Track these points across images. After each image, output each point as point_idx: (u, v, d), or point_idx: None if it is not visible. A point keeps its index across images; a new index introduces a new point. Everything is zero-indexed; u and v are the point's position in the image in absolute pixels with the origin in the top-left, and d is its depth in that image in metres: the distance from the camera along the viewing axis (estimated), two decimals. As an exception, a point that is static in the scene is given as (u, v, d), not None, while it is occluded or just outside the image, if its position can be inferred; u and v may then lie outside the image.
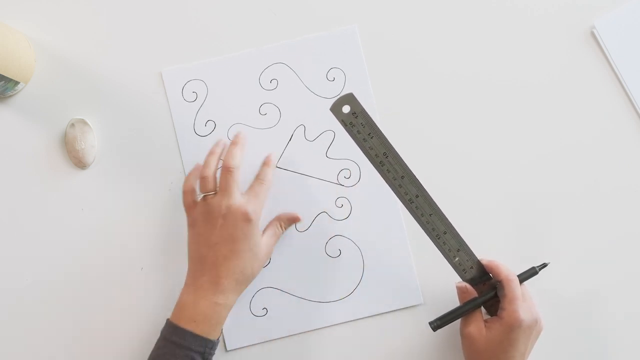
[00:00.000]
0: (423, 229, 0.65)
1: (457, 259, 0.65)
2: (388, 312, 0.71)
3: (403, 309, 0.71)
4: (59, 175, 0.72)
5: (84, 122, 0.72)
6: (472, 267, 0.66)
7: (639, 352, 0.71)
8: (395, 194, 0.64)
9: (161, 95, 0.73)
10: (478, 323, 0.64)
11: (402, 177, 0.63)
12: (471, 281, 0.66)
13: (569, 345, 0.71)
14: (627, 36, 0.73)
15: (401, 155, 0.63)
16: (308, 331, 0.71)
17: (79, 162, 0.72)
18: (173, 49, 0.73)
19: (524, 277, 0.66)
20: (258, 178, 0.68)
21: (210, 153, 0.67)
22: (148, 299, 0.71)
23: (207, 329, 0.63)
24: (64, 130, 0.72)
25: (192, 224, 0.66)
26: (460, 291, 0.66)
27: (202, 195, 0.65)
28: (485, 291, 0.66)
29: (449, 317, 0.65)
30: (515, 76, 0.73)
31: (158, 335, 0.64)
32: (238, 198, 0.64)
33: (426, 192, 0.64)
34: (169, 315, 0.65)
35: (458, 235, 0.65)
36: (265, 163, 0.70)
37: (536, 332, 0.63)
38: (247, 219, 0.63)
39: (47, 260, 0.72)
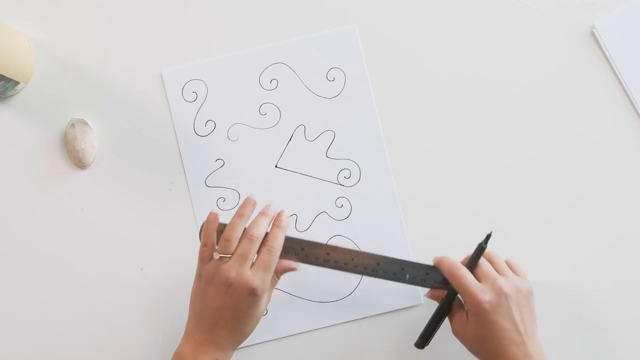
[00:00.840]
0: (355, 272, 0.65)
1: (407, 275, 0.65)
2: (388, 312, 0.71)
3: (403, 309, 0.71)
4: (59, 175, 0.72)
5: (84, 122, 0.72)
6: (428, 274, 0.65)
7: (639, 352, 0.71)
8: (306, 262, 0.64)
9: (161, 95, 0.73)
10: (460, 320, 0.63)
11: (303, 248, 0.64)
12: (441, 284, 0.65)
13: (569, 345, 0.71)
14: (627, 36, 0.73)
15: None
16: (308, 331, 0.71)
17: (79, 162, 0.72)
18: (173, 49, 0.73)
19: (474, 257, 0.64)
20: (267, 245, 0.62)
21: (239, 215, 0.63)
22: (148, 299, 0.71)
23: None
24: (64, 130, 0.72)
25: (198, 277, 0.63)
26: (434, 300, 0.66)
27: (219, 256, 0.62)
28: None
29: (427, 331, 0.65)
30: (515, 76, 0.73)
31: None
32: (247, 272, 0.61)
33: (332, 245, 0.64)
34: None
35: (392, 259, 0.64)
36: (275, 224, 0.63)
37: (520, 300, 0.62)
38: (253, 293, 0.61)
39: (47, 260, 0.72)
